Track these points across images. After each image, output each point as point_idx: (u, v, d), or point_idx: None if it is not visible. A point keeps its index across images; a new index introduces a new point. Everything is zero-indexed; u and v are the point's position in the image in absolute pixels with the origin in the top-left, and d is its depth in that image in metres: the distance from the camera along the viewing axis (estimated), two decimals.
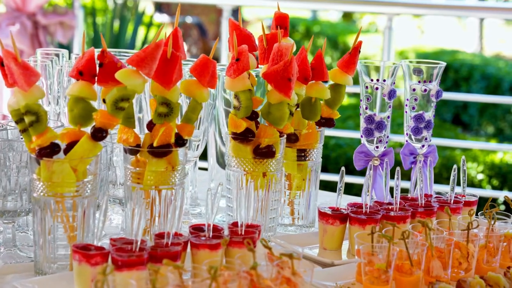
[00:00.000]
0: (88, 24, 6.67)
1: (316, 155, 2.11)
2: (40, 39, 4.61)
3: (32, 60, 2.22)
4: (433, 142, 2.07)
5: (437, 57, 9.40)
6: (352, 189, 4.87)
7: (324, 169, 5.32)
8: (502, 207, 5.19)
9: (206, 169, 2.39)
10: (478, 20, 13.91)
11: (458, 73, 8.94)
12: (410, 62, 2.17)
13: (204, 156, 2.39)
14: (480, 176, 5.26)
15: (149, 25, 7.04)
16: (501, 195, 4.91)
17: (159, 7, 10.09)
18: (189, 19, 9.92)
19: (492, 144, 5.93)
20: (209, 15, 10.60)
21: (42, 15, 4.59)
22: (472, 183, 5.22)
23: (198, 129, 2.12)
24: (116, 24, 6.43)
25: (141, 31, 7.11)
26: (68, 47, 5.00)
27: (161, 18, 9.84)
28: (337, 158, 5.37)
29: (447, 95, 6.76)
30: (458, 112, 8.77)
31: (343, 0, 4.87)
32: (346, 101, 7.88)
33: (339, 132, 5.16)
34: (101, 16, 6.82)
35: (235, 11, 11.89)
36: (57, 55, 2.32)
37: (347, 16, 15.24)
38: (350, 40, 11.17)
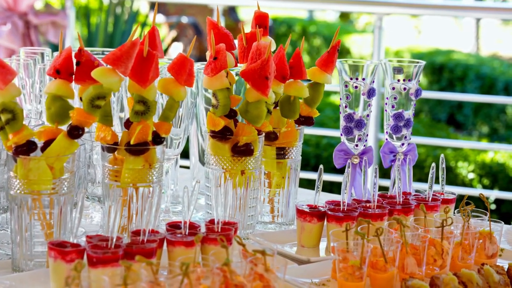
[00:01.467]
0: (82, 24, 6.68)
1: (295, 153, 2.12)
2: (32, 39, 4.63)
3: (15, 59, 2.24)
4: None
5: (432, 57, 9.42)
6: None
7: (316, 169, 5.34)
8: (493, 206, 5.20)
9: (188, 168, 2.41)
10: (474, 20, 13.93)
11: (453, 73, 8.95)
12: (390, 61, 2.18)
13: (187, 155, 2.40)
14: (471, 176, 5.27)
15: (144, 24, 7.05)
16: (492, 194, 4.93)
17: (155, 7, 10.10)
18: (184, 19, 9.94)
19: (482, 144, 5.94)
20: (205, 15, 10.62)
21: (33, 15, 4.61)
22: (463, 182, 5.24)
23: (179, 127, 2.14)
24: (111, 24, 6.44)
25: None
26: None
27: (156, 17, 9.86)
28: (329, 157, 5.38)
29: (442, 95, 6.78)
30: (453, 112, 8.79)
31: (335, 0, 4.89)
32: (339, 101, 7.89)
33: (332, 132, 5.17)
34: (96, 16, 6.84)
35: (231, 10, 11.90)
36: (42, 54, 2.33)
37: (344, 16, 15.25)
38: (347, 40, 11.19)
